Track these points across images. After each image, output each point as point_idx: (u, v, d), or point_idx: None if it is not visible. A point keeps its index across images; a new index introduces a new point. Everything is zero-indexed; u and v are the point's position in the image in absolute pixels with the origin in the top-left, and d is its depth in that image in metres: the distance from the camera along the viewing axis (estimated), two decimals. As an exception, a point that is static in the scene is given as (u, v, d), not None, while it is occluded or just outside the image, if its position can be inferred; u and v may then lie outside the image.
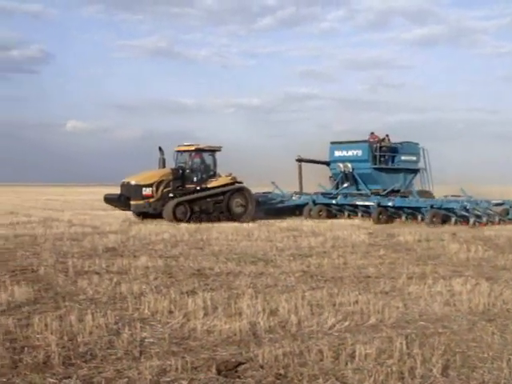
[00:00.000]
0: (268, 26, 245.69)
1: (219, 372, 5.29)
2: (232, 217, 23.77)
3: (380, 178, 28.19)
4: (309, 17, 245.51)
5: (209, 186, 23.96)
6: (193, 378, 5.16)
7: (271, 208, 27.59)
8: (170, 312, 7.42)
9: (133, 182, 23.44)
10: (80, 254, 12.80)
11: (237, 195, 24.22)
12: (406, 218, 23.71)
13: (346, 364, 5.50)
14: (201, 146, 24.26)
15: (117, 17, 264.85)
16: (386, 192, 26.41)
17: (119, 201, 23.80)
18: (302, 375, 5.22)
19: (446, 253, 13.65)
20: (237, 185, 24.52)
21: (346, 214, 26.04)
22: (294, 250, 14.04)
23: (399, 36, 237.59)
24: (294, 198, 28.28)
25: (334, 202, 26.34)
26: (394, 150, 29.03)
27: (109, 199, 24.47)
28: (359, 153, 28.58)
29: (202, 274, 10.51)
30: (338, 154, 29.40)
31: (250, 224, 21.37)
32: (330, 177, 29.84)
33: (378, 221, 22.98)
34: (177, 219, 22.36)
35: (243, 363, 5.51)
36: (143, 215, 23.56)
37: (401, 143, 29.33)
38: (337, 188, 28.68)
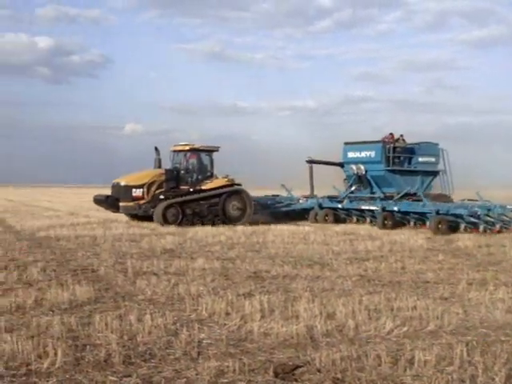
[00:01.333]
0: (324, 28, 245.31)
1: (276, 375, 5.29)
2: (228, 220, 22.71)
3: (394, 180, 26.71)
4: (365, 18, 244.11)
5: (203, 187, 22.90)
6: (250, 380, 5.18)
7: (278, 211, 26.52)
8: (227, 314, 7.47)
9: (122, 183, 22.59)
10: (138, 255, 13.01)
11: (234, 198, 23.15)
12: (415, 223, 22.04)
13: (405, 370, 5.42)
14: (196, 146, 23.28)
15: (173, 21, 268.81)
16: (399, 195, 24.84)
17: (106, 202, 23.13)
18: (359, 380, 5.18)
19: (507, 259, 13.30)
20: (234, 187, 23.37)
21: (355, 219, 24.58)
22: (350, 253, 13.93)
23: (457, 37, 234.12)
24: (300, 201, 26.96)
25: (340, 206, 24.86)
26: (410, 151, 27.51)
27: (97, 200, 23.78)
28: (372, 154, 27.10)
29: (258, 276, 10.54)
30: (351, 155, 27.97)
31: (307, 227, 21.21)
32: (345, 179, 28.53)
33: (383, 226, 21.46)
34: (167, 222, 21.47)
35: (300, 366, 5.50)
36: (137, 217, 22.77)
37: (418, 144, 27.73)
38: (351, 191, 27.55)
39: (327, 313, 7.49)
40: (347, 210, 24.56)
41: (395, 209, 22.08)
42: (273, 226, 21.32)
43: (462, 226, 20.34)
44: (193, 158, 23.32)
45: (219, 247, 14.68)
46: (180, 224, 21.48)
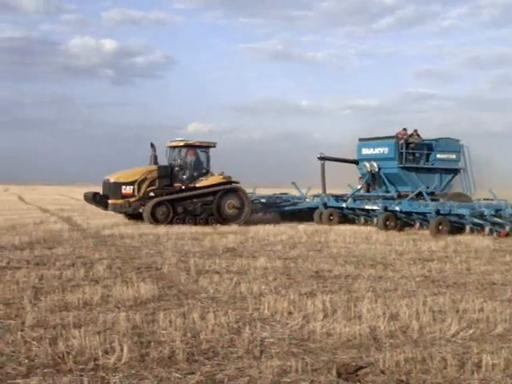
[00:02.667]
0: (387, 25, 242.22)
1: (339, 375, 5.26)
2: (223, 219, 21.86)
3: (410, 178, 25.40)
4: (429, 15, 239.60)
5: (197, 185, 22.03)
6: (313, 379, 5.16)
7: (283, 211, 25.54)
8: (290, 313, 7.46)
9: (112, 180, 21.81)
10: (201, 254, 13.14)
11: (230, 196, 22.16)
12: (421, 224, 20.66)
13: (472, 373, 5.30)
14: (190, 142, 22.42)
15: (237, 21, 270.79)
16: (413, 194, 23.17)
17: (94, 200, 22.38)
18: (424, 383, 5.09)
19: None
20: (230, 185, 22.45)
21: (362, 219, 23.11)
22: (413, 253, 13.71)
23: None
24: (307, 200, 25.89)
25: (344, 205, 23.44)
26: (428, 148, 26.13)
27: (86, 197, 23.19)
28: (386, 150, 25.81)
29: (320, 276, 10.49)
30: (365, 151, 26.78)
31: (369, 227, 20.96)
32: (360, 177, 27.23)
33: (384, 228, 20.00)
34: (156, 220, 20.87)
35: (364, 367, 5.44)
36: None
37: (436, 140, 26.31)
38: (367, 190, 26.31)
39: (390, 313, 7.39)
40: (352, 209, 23.26)
41: (397, 209, 20.70)
42: (335, 226, 21.15)
43: (467, 227, 18.98)
44: (188, 154, 22.48)
45: (281, 246, 14.69)
46: (171, 223, 20.90)
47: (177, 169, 22.20)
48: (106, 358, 5.55)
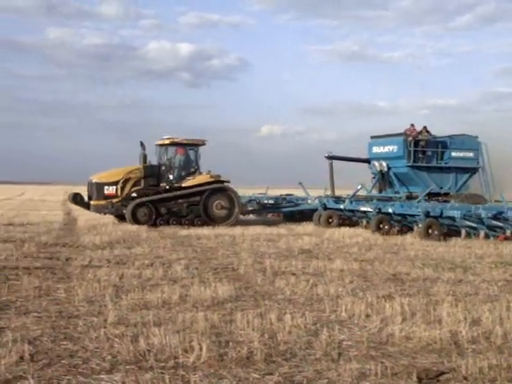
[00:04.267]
0: (465, 23, 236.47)
1: (420, 380, 5.15)
2: (211, 220, 20.91)
3: (420, 178, 24.04)
4: (510, 11, 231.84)
5: (183, 184, 21.13)
6: (393, 384, 5.08)
7: (282, 212, 24.82)
8: (367, 316, 7.37)
9: (94, 180, 21.16)
10: (276, 255, 13.16)
11: (219, 196, 21.19)
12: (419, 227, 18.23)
13: (561, 382, 5.09)
14: (177, 140, 21.50)
15: (310, 23, 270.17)
16: (422, 195, 21.54)
17: (75, 200, 21.85)
18: (510, 390, 4.93)
19: None
20: (218, 184, 21.47)
21: (365, 221, 20.69)
22: (494, 257, 13.29)
23: None
24: (309, 201, 24.62)
25: (341, 207, 21.80)
26: (442, 145, 24.61)
27: (69, 198, 22.42)
28: (395, 149, 24.39)
29: (397, 278, 10.32)
30: (375, 150, 25.48)
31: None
32: (373, 177, 25.91)
33: (376, 230, 18.46)
34: (137, 222, 20.12)
35: (445, 373, 5.31)
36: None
37: (451, 137, 24.76)
38: (380, 191, 25.23)
39: (472, 318, 7.19)
40: (352, 211, 21.52)
41: (390, 211, 19.03)
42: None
43: (463, 231, 17.26)
44: (175, 152, 21.71)
45: (356, 248, 14.55)
46: (154, 225, 20.23)
47: (163, 168, 21.43)
48: (186, 356, 5.63)
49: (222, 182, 21.75)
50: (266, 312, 7.46)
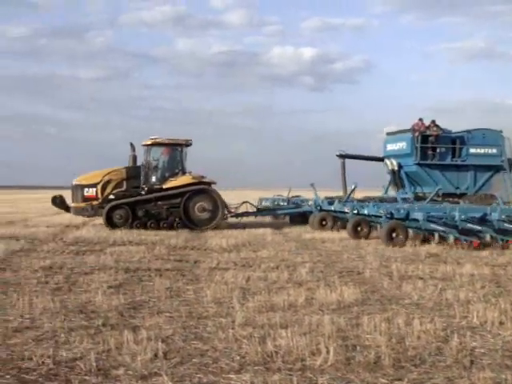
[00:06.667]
0: None
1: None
2: (192, 224, 20.18)
3: (432, 177, 22.06)
4: None
5: (164, 186, 20.39)
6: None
7: (276, 214, 23.86)
8: (501, 323, 7.05)
9: (75, 182, 20.73)
10: (402, 259, 12.89)
11: (201, 198, 20.32)
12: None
13: None
14: (159, 140, 20.72)
15: (435, 21, 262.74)
16: (431, 196, 19.32)
17: (54, 203, 21.33)
18: None
19: None
20: (199, 186, 20.56)
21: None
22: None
23: None
24: (310, 203, 22.70)
25: (332, 208, 20.27)
26: (460, 141, 22.35)
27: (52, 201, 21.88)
28: (404, 145, 22.51)
29: (534, 284, 9.81)
30: (389, 147, 23.69)
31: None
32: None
33: (353, 234, 17.14)
34: (113, 225, 19.65)
35: None
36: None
37: (470, 131, 22.35)
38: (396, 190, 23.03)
39: None
40: (343, 213, 19.63)
41: (365, 212, 17.64)
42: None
43: (436, 235, 15.63)
44: (162, 153, 21.01)
45: (487, 252, 13.95)
46: (131, 227, 19.63)
47: (146, 169, 20.83)
48: (313, 359, 5.65)
49: (206, 183, 21.02)
50: (393, 316, 7.34)
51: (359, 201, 20.89)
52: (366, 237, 17.12)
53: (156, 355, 5.76)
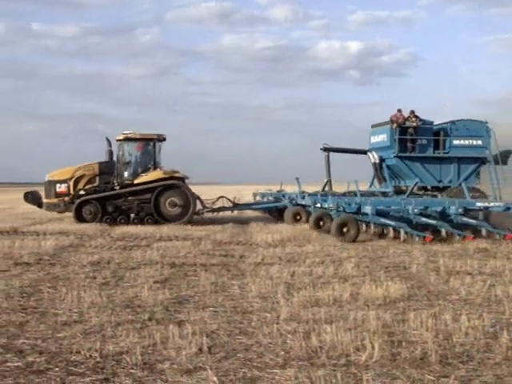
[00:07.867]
0: None
1: None
2: (162, 219, 20.02)
3: (413, 170, 21.34)
4: None
5: (135, 181, 20.29)
6: None
7: (251, 209, 23.54)
8: (552, 319, 6.87)
9: (47, 178, 20.79)
10: (450, 254, 12.69)
11: (172, 193, 20.17)
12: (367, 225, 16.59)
13: None
14: (131, 135, 20.58)
15: (484, 12, 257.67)
16: (410, 190, 19.02)
17: (26, 199, 21.35)
18: None
19: None
20: (169, 181, 20.33)
21: None
22: None
23: None
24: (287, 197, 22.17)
25: (303, 202, 19.72)
26: (443, 132, 21.56)
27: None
28: (384, 138, 21.84)
29: None
30: (372, 140, 22.96)
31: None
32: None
33: (316, 228, 16.91)
34: (82, 220, 19.65)
35: None
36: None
37: (453, 122, 21.55)
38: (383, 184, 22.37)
39: None
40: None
41: (325, 206, 17.09)
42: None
43: (391, 230, 15.22)
44: (136, 148, 20.90)
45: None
46: (101, 222, 19.66)
47: (119, 164, 20.75)
48: (358, 354, 5.60)
49: (178, 178, 20.87)
50: (440, 312, 7.22)
51: (322, 195, 20.34)
52: (329, 231, 16.27)
53: (201, 350, 5.79)
